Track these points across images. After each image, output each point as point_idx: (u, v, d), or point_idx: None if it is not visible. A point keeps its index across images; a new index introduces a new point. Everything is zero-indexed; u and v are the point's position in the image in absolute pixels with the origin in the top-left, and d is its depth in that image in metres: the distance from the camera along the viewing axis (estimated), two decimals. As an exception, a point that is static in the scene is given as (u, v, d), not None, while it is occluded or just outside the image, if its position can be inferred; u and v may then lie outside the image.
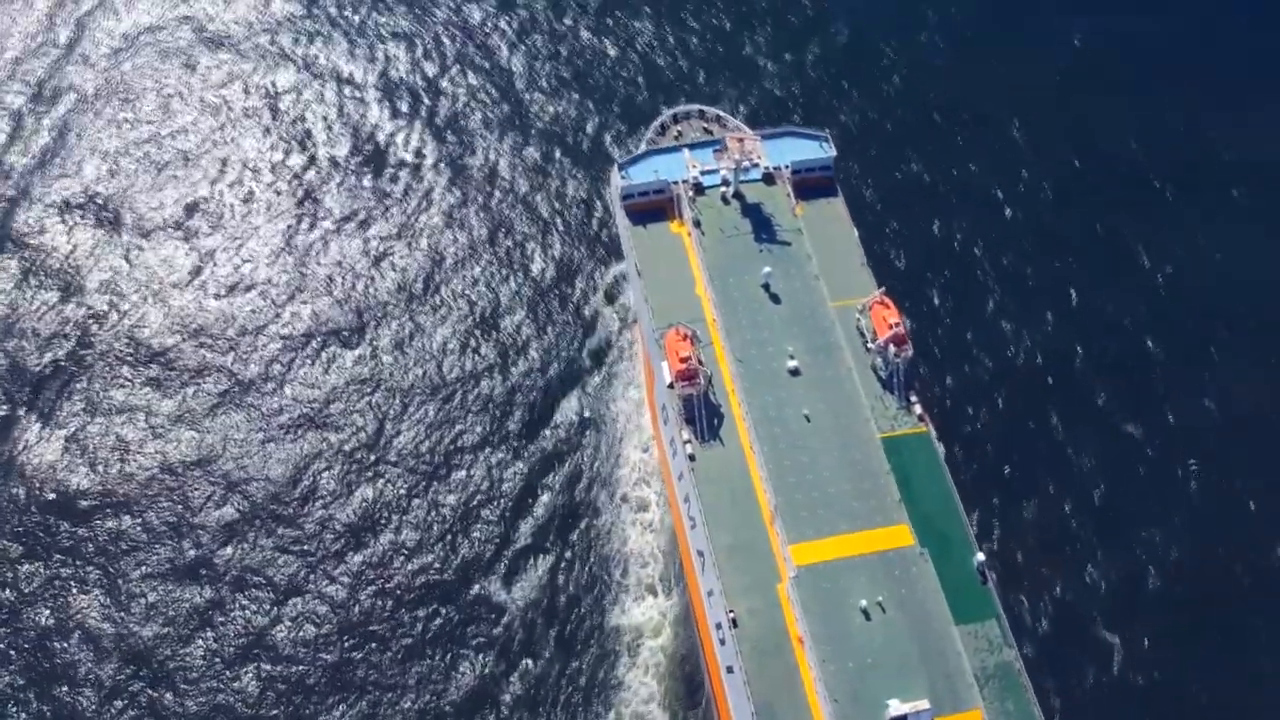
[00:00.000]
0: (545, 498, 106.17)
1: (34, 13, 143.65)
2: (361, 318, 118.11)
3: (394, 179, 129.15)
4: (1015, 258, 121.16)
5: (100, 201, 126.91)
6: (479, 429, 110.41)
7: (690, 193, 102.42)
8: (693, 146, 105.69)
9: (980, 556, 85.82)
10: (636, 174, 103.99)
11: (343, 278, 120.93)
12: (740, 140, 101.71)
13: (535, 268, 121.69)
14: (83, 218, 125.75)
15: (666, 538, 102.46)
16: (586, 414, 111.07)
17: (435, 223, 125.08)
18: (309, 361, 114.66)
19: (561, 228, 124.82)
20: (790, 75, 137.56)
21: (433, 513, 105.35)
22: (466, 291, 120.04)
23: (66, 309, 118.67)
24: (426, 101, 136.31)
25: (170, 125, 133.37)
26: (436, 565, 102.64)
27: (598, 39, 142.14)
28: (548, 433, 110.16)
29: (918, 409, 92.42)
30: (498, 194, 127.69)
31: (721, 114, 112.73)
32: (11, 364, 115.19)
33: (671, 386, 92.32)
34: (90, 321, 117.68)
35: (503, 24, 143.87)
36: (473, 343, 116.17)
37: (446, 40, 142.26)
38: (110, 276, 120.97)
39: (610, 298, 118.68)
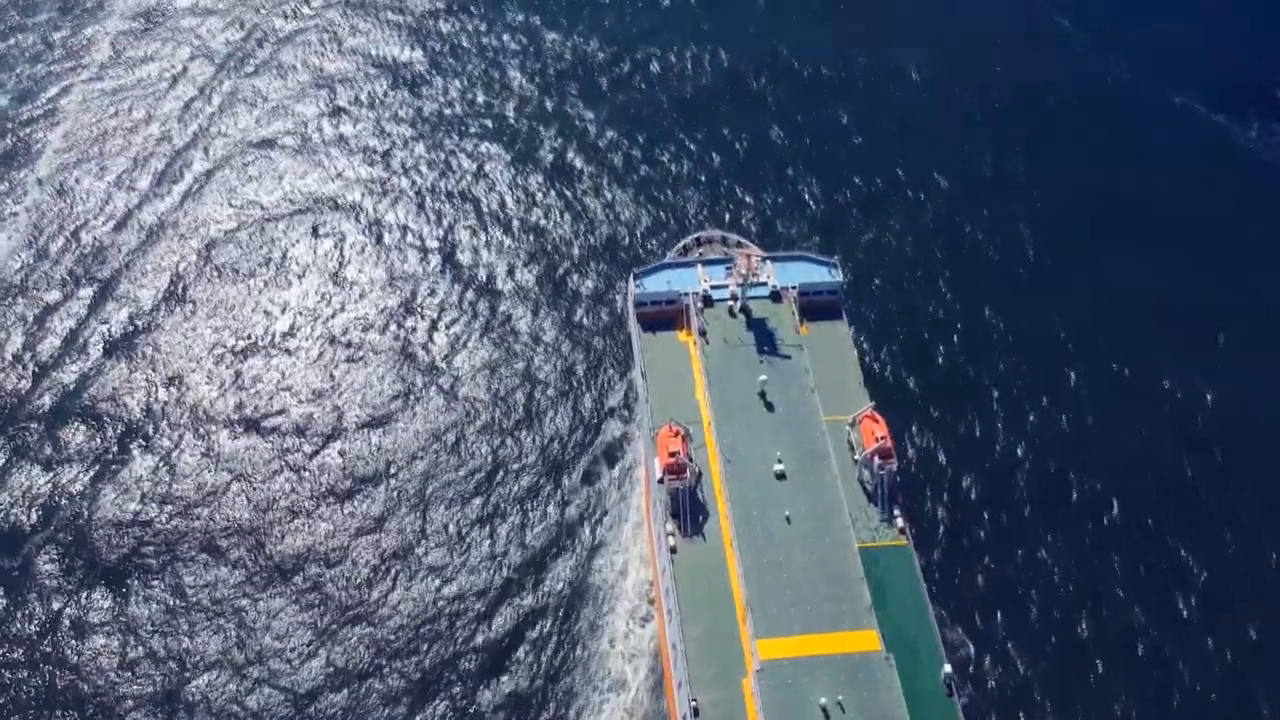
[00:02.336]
0: (520, 660, 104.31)
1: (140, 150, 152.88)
2: (375, 429, 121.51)
3: (453, 302, 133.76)
4: (1023, 390, 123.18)
5: (201, 311, 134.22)
6: (459, 583, 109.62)
7: (699, 304, 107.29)
8: (706, 263, 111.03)
9: (947, 669, 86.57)
10: (650, 284, 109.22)
11: (381, 387, 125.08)
12: (749, 257, 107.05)
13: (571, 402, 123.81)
14: (181, 322, 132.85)
15: None
16: (571, 579, 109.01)
17: (478, 347, 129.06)
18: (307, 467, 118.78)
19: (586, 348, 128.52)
20: (826, 207, 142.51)
21: (400, 674, 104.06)
22: (486, 405, 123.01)
23: (149, 394, 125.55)
24: (494, 229, 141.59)
25: (258, 246, 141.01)
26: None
27: (651, 170, 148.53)
28: (530, 595, 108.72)
29: (900, 522, 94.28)
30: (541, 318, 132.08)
31: (743, 240, 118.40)
32: (92, 430, 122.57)
33: (661, 481, 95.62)
34: (174, 406, 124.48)
35: (572, 158, 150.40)
36: (473, 475, 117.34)
37: (524, 171, 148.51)
38: (196, 372, 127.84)
39: (611, 460, 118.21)
